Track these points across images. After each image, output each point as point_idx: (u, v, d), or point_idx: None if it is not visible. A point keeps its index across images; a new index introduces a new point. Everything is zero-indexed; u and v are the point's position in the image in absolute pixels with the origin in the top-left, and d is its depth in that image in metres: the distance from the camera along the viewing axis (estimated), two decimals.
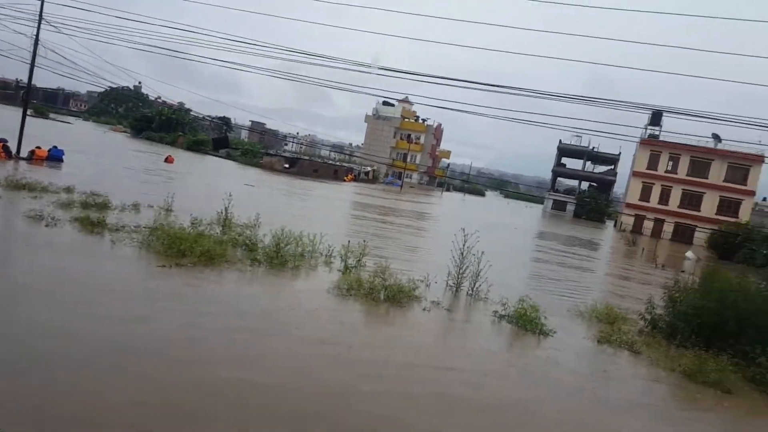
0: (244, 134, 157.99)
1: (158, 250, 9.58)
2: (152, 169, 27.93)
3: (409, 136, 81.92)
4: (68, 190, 14.38)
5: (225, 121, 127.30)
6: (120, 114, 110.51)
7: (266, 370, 5.65)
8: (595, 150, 67.56)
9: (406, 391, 5.72)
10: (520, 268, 16.71)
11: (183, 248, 9.50)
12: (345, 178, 56.08)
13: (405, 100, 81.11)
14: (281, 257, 10.41)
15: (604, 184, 70.67)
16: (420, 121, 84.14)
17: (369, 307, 8.69)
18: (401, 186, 63.01)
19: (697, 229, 49.97)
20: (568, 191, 75.19)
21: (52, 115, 75.46)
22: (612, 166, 71.40)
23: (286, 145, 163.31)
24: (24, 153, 20.91)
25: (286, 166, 49.90)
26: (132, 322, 6.28)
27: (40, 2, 20.21)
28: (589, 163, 72.20)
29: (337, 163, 68.03)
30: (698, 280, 10.75)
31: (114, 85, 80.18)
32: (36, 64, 20.92)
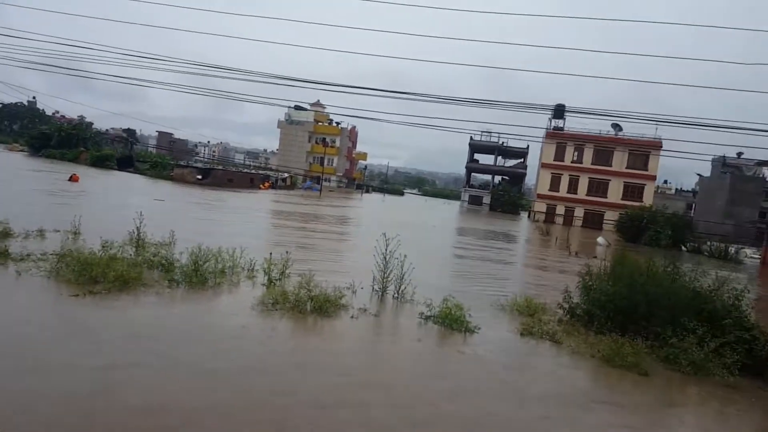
0: (151, 144, 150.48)
1: (68, 278, 8.91)
2: (55, 190, 25.82)
3: (324, 139, 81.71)
4: None
5: (130, 134, 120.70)
6: (15, 132, 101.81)
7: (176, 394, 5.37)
8: (505, 145, 70.87)
9: (319, 403, 5.67)
10: (442, 267, 17.13)
11: (95, 274, 8.94)
12: (262, 186, 54.86)
13: (317, 104, 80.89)
14: (200, 275, 9.99)
15: (516, 177, 74.41)
16: (334, 124, 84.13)
17: (296, 320, 8.54)
18: (320, 191, 62.64)
19: (605, 214, 53.84)
20: (483, 186, 78.37)
21: None
22: (522, 160, 75.26)
23: (197, 155, 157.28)
24: None
25: (199, 177, 47.99)
26: (43, 357, 5.75)
27: None
28: (500, 157, 75.59)
29: (253, 171, 66.35)
30: (609, 266, 11.55)
31: (5, 102, 73.56)
32: None
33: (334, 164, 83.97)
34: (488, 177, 79.60)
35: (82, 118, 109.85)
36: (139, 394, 5.34)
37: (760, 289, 20.80)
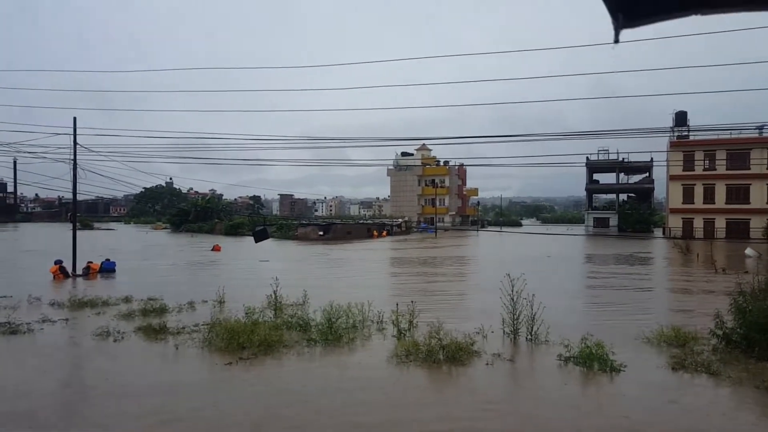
0: (275, 208, 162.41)
1: (219, 346, 9.82)
2: (199, 262, 28.97)
3: (433, 181, 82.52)
4: (127, 299, 15.03)
5: (256, 200, 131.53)
6: (158, 211, 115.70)
7: None
8: (626, 161, 66.47)
9: None
10: (574, 300, 16.25)
11: (242, 341, 9.75)
12: (375, 233, 56.40)
13: (423, 147, 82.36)
14: (335, 332, 10.49)
15: (643, 193, 68.93)
16: (441, 164, 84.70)
17: (430, 370, 8.59)
18: (435, 232, 62.89)
19: (751, 222, 47.94)
20: (608, 206, 73.60)
21: (96, 224, 79.47)
22: (647, 174, 69.86)
23: (315, 211, 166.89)
24: (79, 270, 21.96)
25: (321, 233, 50.68)
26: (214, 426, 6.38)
27: (72, 134, 22.01)
28: (622, 174, 70.91)
29: (369, 221, 68.68)
30: (764, 281, 10.27)
31: (148, 186, 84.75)
32: (77, 182, 22.46)
33: (446, 203, 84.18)
34: (612, 196, 74.64)
35: (213, 191, 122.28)
36: None
37: None
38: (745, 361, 8.59)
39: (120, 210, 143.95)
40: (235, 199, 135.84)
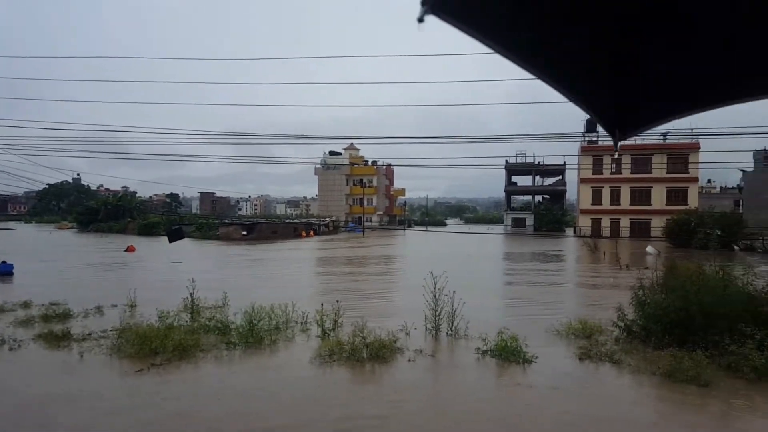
0: (195, 206, 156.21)
1: (130, 352, 9.30)
2: (108, 263, 27.24)
3: (361, 180, 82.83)
4: (25, 305, 13.86)
5: (173, 198, 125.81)
6: (63, 210, 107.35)
7: None
8: (541, 164, 70.00)
9: None
10: (493, 296, 16.93)
11: (155, 346, 9.29)
12: (303, 233, 55.85)
13: (351, 147, 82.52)
14: (256, 335, 10.26)
15: (556, 195, 73.07)
16: (369, 164, 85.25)
17: (354, 369, 8.65)
18: (363, 231, 63.19)
19: (652, 222, 52.06)
20: (525, 207, 77.29)
21: None
22: (560, 177, 73.98)
23: (239, 210, 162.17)
24: None
25: (245, 233, 49.40)
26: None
27: None
28: (537, 177, 74.65)
29: (296, 221, 67.84)
30: (661, 277, 11.22)
31: (52, 182, 78.27)
32: None
33: (374, 203, 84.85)
34: (529, 198, 78.49)
35: (125, 189, 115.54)
36: None
37: None
38: (644, 350, 9.33)
39: (20, 208, 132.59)
40: (151, 197, 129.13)
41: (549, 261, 29.95)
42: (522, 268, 25.39)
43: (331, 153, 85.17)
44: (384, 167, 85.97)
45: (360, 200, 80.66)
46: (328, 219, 69.87)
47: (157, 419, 6.66)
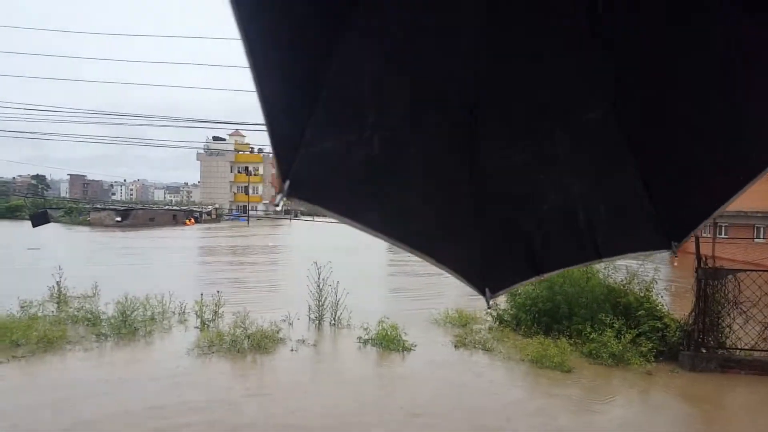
0: (64, 189, 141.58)
1: None
2: None
3: (246, 168, 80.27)
4: None
5: (39, 180, 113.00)
6: None
7: None
8: None
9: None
10: (376, 287, 17.39)
11: (16, 338, 8.58)
12: (186, 222, 53.07)
13: (236, 133, 79.65)
14: (129, 325, 9.71)
15: None
16: (256, 151, 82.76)
17: (234, 360, 8.47)
18: (248, 220, 61.37)
19: None
20: None
21: None
22: None
23: (113, 195, 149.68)
24: None
25: (118, 219, 45.85)
26: None
27: None
28: None
29: (175, 208, 64.11)
30: None
31: None
32: None
33: (260, 192, 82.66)
34: None
35: None
36: None
37: (667, 273, 22.64)
38: (514, 338, 10.11)
39: None
40: (14, 178, 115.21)
41: None
42: (405, 259, 26.28)
43: (215, 138, 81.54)
44: (271, 155, 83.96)
45: (245, 188, 78.20)
46: (210, 207, 66.90)
47: (13, 412, 6.07)
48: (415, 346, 9.33)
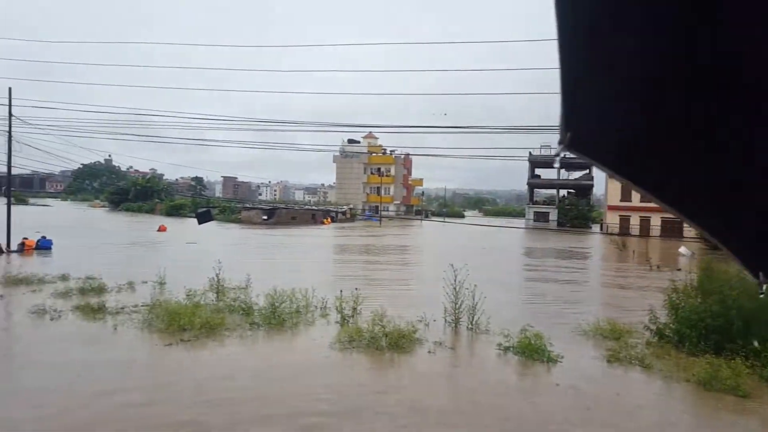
0: (218, 190, 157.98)
1: (160, 327, 9.55)
2: (139, 242, 28.01)
3: (379, 169, 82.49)
4: (64, 278, 14.39)
5: (198, 182, 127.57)
6: (96, 189, 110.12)
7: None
8: (567, 157, 68.42)
9: None
10: (514, 292, 16.67)
11: (183, 323, 9.50)
12: (324, 221, 55.97)
13: (370, 135, 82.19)
14: (278, 317, 10.35)
15: (583, 190, 71.52)
16: (387, 153, 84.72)
17: (373, 356, 8.54)
18: (380, 220, 63.04)
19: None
20: (548, 201, 75.89)
21: (31, 200, 75.46)
22: (587, 171, 72.63)
23: (260, 195, 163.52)
24: (14, 246, 20.72)
25: (265, 217, 49.73)
26: (144, 406, 6.04)
27: (8, 105, 20.69)
28: (563, 170, 73.37)
29: (314, 207, 68.05)
30: (696, 279, 10.74)
31: (86, 162, 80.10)
32: (12, 155, 21.15)
33: (391, 192, 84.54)
34: (553, 192, 77.08)
35: (153, 171, 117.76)
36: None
37: None
38: (676, 356, 9.01)
39: (57, 186, 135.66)
40: (177, 180, 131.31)
41: (573, 258, 29.41)
42: (545, 265, 24.99)
43: (350, 141, 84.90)
44: (402, 156, 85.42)
45: (377, 189, 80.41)
46: (345, 207, 69.83)
47: (179, 390, 6.76)
48: (562, 357, 8.67)
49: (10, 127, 20.81)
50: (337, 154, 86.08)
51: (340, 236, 40.23)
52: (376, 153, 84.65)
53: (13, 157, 21.55)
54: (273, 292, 11.14)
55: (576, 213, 64.75)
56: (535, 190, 76.55)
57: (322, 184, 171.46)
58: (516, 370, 8.43)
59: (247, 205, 59.89)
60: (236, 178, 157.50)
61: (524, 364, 8.57)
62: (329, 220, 57.95)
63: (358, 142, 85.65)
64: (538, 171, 74.49)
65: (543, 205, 74.19)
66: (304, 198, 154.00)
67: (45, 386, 6.88)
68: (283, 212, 53.17)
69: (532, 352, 8.76)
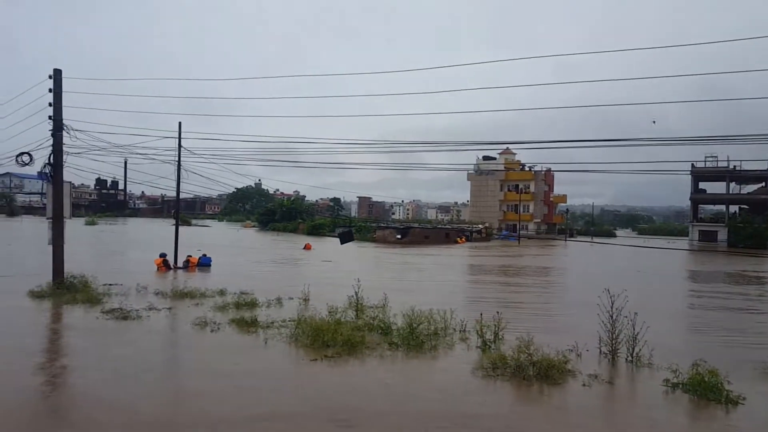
0: (353, 210, 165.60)
1: (305, 343, 10.05)
2: (285, 260, 30.34)
3: (517, 186, 79.93)
4: (221, 292, 15.87)
5: (335, 202, 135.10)
6: (248, 210, 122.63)
7: None
8: (737, 168, 60.40)
9: None
10: (676, 321, 14.86)
11: (326, 339, 9.89)
12: (458, 240, 55.49)
13: (507, 151, 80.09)
14: (416, 338, 10.27)
15: (758, 205, 62.36)
16: (526, 168, 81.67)
17: (520, 388, 8.04)
18: (518, 239, 60.84)
19: None
20: (716, 218, 67.42)
21: (193, 221, 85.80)
22: (763, 184, 63.43)
23: (393, 214, 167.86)
24: (180, 263, 23.44)
25: (399, 236, 50.75)
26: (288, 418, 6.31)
27: (178, 137, 23.38)
28: (733, 183, 64.87)
29: (447, 226, 67.89)
30: None
31: (239, 186, 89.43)
32: (180, 181, 23.90)
33: (531, 210, 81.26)
34: (721, 208, 68.22)
35: (297, 193, 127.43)
36: None
37: None
38: None
39: (214, 208, 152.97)
40: (317, 201, 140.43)
41: (749, 283, 25.58)
42: (714, 291, 22.05)
43: (485, 158, 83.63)
44: (543, 172, 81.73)
45: (515, 207, 77.85)
46: (480, 225, 68.61)
47: (325, 406, 6.95)
48: (744, 399, 7.43)
49: (179, 157, 23.47)
50: (471, 171, 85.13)
51: (475, 255, 39.52)
52: (514, 169, 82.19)
53: (180, 184, 24.10)
54: (410, 311, 11.15)
55: (751, 231, 56.26)
56: (700, 205, 68.43)
57: (455, 203, 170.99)
58: (687, 410, 7.39)
59: (382, 225, 61.66)
60: (370, 198, 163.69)
61: (697, 404, 7.49)
62: (464, 239, 57.32)
63: (494, 158, 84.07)
64: (702, 185, 66.60)
65: (709, 222, 65.96)
66: (437, 216, 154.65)
67: (208, 391, 7.48)
68: (416, 231, 53.81)
69: (706, 390, 7.63)
